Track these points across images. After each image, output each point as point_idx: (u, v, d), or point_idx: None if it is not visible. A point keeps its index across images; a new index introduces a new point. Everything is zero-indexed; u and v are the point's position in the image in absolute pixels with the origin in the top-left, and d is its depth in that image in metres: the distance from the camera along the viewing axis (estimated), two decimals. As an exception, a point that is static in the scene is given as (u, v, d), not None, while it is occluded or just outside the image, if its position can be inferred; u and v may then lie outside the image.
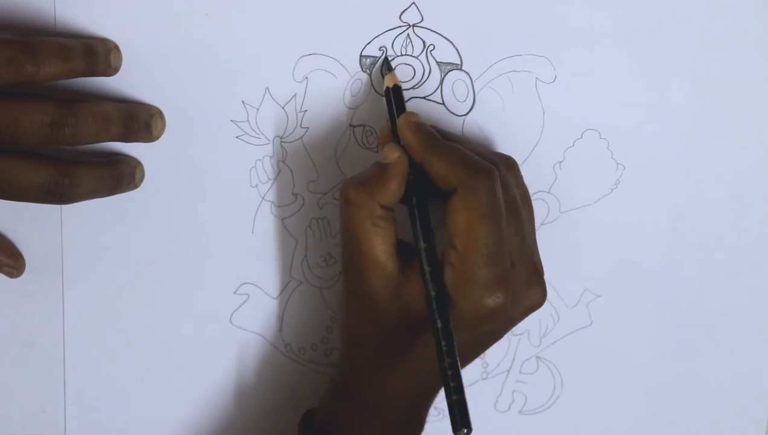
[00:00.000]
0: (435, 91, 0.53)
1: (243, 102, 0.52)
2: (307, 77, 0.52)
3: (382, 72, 0.52)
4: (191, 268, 0.55)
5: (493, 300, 0.47)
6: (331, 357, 0.57)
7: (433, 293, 0.47)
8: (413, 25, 0.52)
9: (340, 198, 0.49)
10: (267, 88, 0.52)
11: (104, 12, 0.50)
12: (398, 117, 0.50)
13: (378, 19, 0.52)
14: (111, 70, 0.49)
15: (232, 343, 0.56)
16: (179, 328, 0.55)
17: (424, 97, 0.53)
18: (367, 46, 0.52)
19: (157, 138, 0.52)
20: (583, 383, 0.58)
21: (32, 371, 0.55)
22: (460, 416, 0.45)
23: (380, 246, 0.48)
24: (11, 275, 0.53)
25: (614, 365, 0.58)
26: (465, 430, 0.45)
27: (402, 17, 0.52)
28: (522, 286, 0.49)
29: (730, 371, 0.58)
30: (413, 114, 0.50)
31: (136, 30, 0.51)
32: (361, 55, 0.52)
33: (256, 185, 0.54)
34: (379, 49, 0.52)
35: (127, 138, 0.50)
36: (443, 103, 0.53)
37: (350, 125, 0.53)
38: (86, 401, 0.56)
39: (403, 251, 0.49)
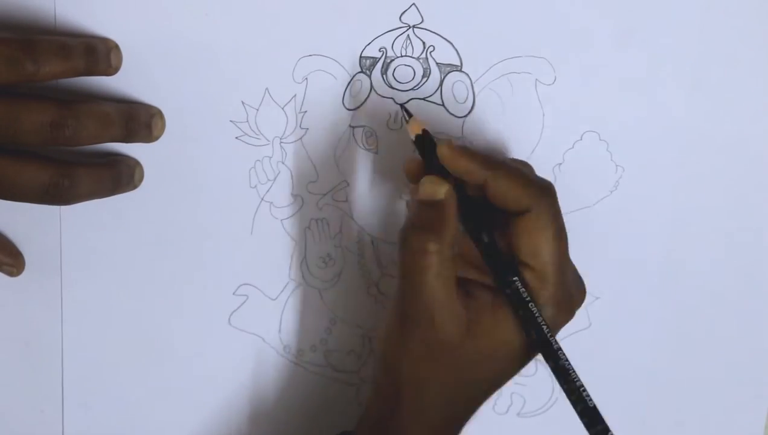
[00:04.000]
0: (435, 92, 0.53)
1: (243, 102, 0.52)
2: (306, 78, 0.52)
3: (403, 118, 0.51)
4: (190, 268, 0.54)
5: (566, 317, 0.49)
6: (329, 359, 0.57)
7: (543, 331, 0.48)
8: (413, 26, 0.52)
9: (402, 249, 0.48)
10: (267, 89, 0.52)
11: (104, 12, 0.50)
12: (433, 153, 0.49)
13: (378, 20, 0.52)
14: (111, 69, 0.49)
15: (230, 344, 0.56)
16: (178, 328, 0.55)
17: (423, 99, 0.53)
18: (367, 47, 0.52)
19: (157, 138, 0.52)
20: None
21: (31, 371, 0.55)
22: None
23: (447, 289, 0.47)
24: (11, 274, 0.53)
25: (613, 367, 0.58)
26: None
27: (402, 18, 0.52)
28: (575, 292, 0.50)
29: (730, 372, 0.58)
30: (449, 139, 0.50)
31: (136, 30, 0.51)
32: (360, 56, 0.52)
33: (256, 186, 0.54)
34: (379, 50, 0.52)
35: (127, 138, 0.50)
36: (443, 105, 0.53)
37: (350, 126, 0.53)
38: (84, 401, 0.56)
39: (462, 286, 0.49)
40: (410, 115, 0.50)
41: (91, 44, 0.48)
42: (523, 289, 0.48)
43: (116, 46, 0.50)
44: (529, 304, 0.47)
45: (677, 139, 0.55)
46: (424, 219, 0.48)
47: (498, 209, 0.48)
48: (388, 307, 0.50)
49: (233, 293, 0.55)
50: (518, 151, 0.54)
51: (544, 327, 0.47)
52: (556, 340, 0.48)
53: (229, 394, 0.56)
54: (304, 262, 0.55)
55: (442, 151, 0.48)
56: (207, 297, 0.55)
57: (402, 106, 0.51)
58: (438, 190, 0.48)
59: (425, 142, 0.49)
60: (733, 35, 0.53)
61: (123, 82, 0.51)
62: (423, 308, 0.48)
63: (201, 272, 0.55)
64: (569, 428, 0.59)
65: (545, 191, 0.48)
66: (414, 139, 0.50)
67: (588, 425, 0.47)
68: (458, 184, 0.49)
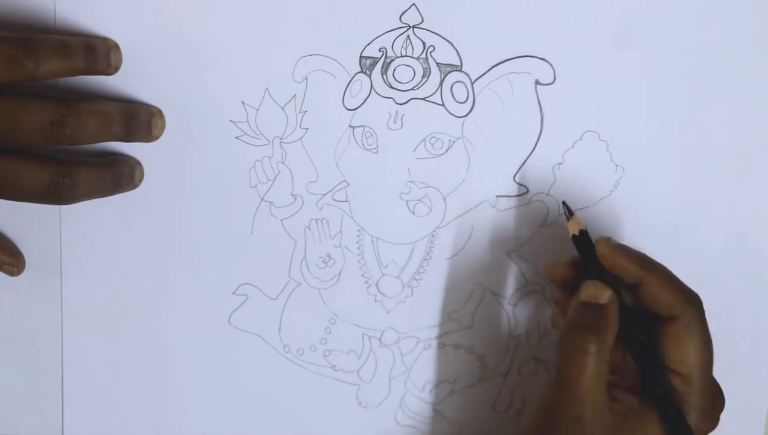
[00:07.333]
0: (435, 92, 0.53)
1: (243, 102, 0.52)
2: (306, 78, 0.52)
3: (566, 215, 0.52)
4: (190, 268, 0.55)
5: (709, 425, 0.50)
6: (329, 358, 0.57)
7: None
8: (413, 26, 0.52)
9: (563, 347, 0.49)
10: (267, 89, 0.52)
11: (104, 11, 0.50)
12: (587, 260, 0.51)
13: (378, 20, 0.52)
14: (111, 68, 0.49)
15: (230, 343, 0.56)
16: (178, 328, 0.55)
17: (423, 99, 0.53)
18: (367, 47, 0.52)
19: (157, 138, 0.52)
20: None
21: (31, 371, 0.55)
22: None
23: (601, 390, 0.49)
24: (11, 273, 0.53)
25: (613, 367, 0.58)
26: None
27: (402, 18, 0.52)
28: (718, 400, 0.51)
29: (729, 371, 0.58)
30: (608, 238, 0.51)
31: (136, 30, 0.51)
32: (360, 56, 0.52)
33: (256, 186, 0.54)
34: (379, 50, 0.52)
35: (127, 138, 0.50)
36: (443, 105, 0.53)
37: (350, 126, 0.53)
38: (84, 401, 0.56)
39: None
40: (572, 213, 0.52)
41: (90, 43, 0.48)
42: (672, 391, 0.49)
43: (116, 46, 0.50)
44: (677, 406, 0.49)
45: (677, 139, 0.55)
46: (587, 320, 0.49)
47: (648, 314, 0.50)
48: (533, 405, 0.52)
49: (233, 293, 0.55)
50: (518, 152, 0.54)
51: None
52: None
53: (229, 394, 0.56)
54: (304, 262, 0.55)
55: (601, 250, 0.50)
56: (207, 297, 0.55)
57: (564, 203, 0.52)
58: (602, 294, 0.50)
59: (583, 241, 0.51)
60: (733, 35, 0.53)
61: (123, 82, 0.51)
62: (575, 405, 0.48)
63: (201, 272, 0.55)
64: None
65: (694, 300, 0.50)
66: (573, 236, 0.51)
67: None
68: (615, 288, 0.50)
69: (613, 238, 0.51)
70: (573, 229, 0.51)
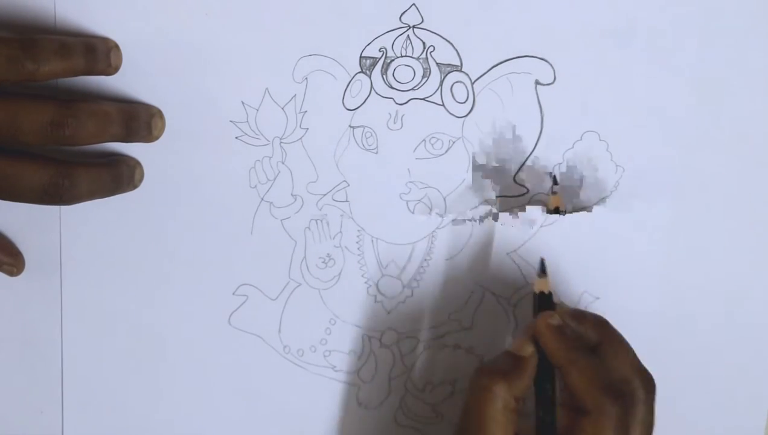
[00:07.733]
0: (435, 92, 0.53)
1: (243, 102, 0.52)
2: (306, 78, 0.52)
3: (538, 273, 0.52)
4: (190, 268, 0.54)
5: None
6: (329, 359, 0.57)
7: None
8: (413, 27, 0.52)
9: (474, 386, 0.49)
10: (267, 89, 0.52)
11: (104, 11, 0.50)
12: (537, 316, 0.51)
13: (378, 20, 0.52)
14: (111, 69, 0.49)
15: (230, 344, 0.56)
16: (177, 328, 0.55)
17: (423, 99, 0.53)
18: (367, 47, 0.52)
19: (157, 138, 0.52)
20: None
21: (30, 371, 0.55)
22: None
23: None
24: (11, 274, 0.53)
25: (613, 367, 0.58)
26: None
27: (402, 18, 0.52)
28: None
29: (729, 373, 0.58)
30: (552, 315, 0.50)
31: (136, 30, 0.51)
32: (361, 56, 0.52)
33: (256, 186, 0.54)
34: (379, 50, 0.52)
35: (127, 138, 0.50)
36: (443, 105, 0.53)
37: (350, 126, 0.53)
38: (84, 402, 0.56)
39: None
40: (545, 273, 0.52)
41: (90, 43, 0.48)
42: None
43: (116, 46, 0.50)
44: None
45: (677, 140, 0.55)
46: (503, 366, 0.49)
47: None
48: None
49: (233, 293, 0.55)
50: (518, 152, 0.54)
51: None
52: None
53: (229, 394, 0.56)
54: (303, 262, 0.55)
55: (537, 323, 0.50)
56: (207, 297, 0.55)
57: (542, 260, 0.52)
58: (525, 348, 0.50)
59: (542, 302, 0.51)
60: (733, 35, 0.53)
61: (123, 82, 0.51)
62: None
63: (201, 272, 0.55)
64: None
65: (613, 402, 0.48)
66: (535, 293, 0.52)
67: None
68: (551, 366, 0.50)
69: (567, 314, 0.51)
70: (538, 287, 0.51)
